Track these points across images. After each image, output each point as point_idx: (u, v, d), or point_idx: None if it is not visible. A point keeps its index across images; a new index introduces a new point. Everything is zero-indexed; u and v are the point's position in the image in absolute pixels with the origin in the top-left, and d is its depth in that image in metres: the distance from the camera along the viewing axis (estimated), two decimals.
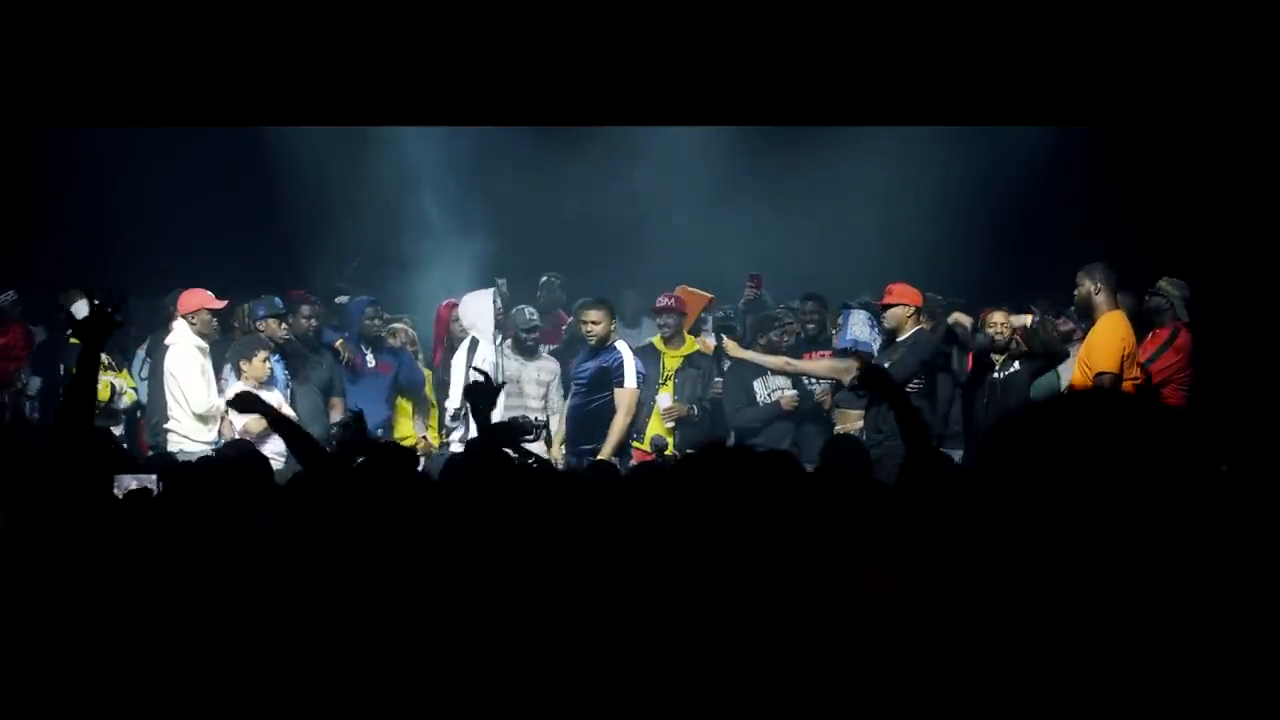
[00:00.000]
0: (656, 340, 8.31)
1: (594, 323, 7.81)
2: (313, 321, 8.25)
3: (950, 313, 7.86)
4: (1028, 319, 7.43)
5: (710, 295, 8.67)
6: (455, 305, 8.45)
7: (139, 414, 8.16)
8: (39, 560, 3.19)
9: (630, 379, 7.80)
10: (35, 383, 7.93)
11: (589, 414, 7.79)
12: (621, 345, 7.94)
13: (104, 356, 7.92)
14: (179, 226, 8.84)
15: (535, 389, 8.09)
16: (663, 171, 9.59)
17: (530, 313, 8.24)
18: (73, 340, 7.98)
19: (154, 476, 4.65)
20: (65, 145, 9.19)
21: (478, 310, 8.08)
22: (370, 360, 8.11)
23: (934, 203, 9.29)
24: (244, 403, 4.81)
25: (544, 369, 8.21)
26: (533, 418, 7.39)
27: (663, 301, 8.33)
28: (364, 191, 9.55)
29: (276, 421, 4.43)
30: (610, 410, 7.76)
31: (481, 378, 4.38)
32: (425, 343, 8.88)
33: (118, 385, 7.96)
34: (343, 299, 8.79)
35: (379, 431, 7.87)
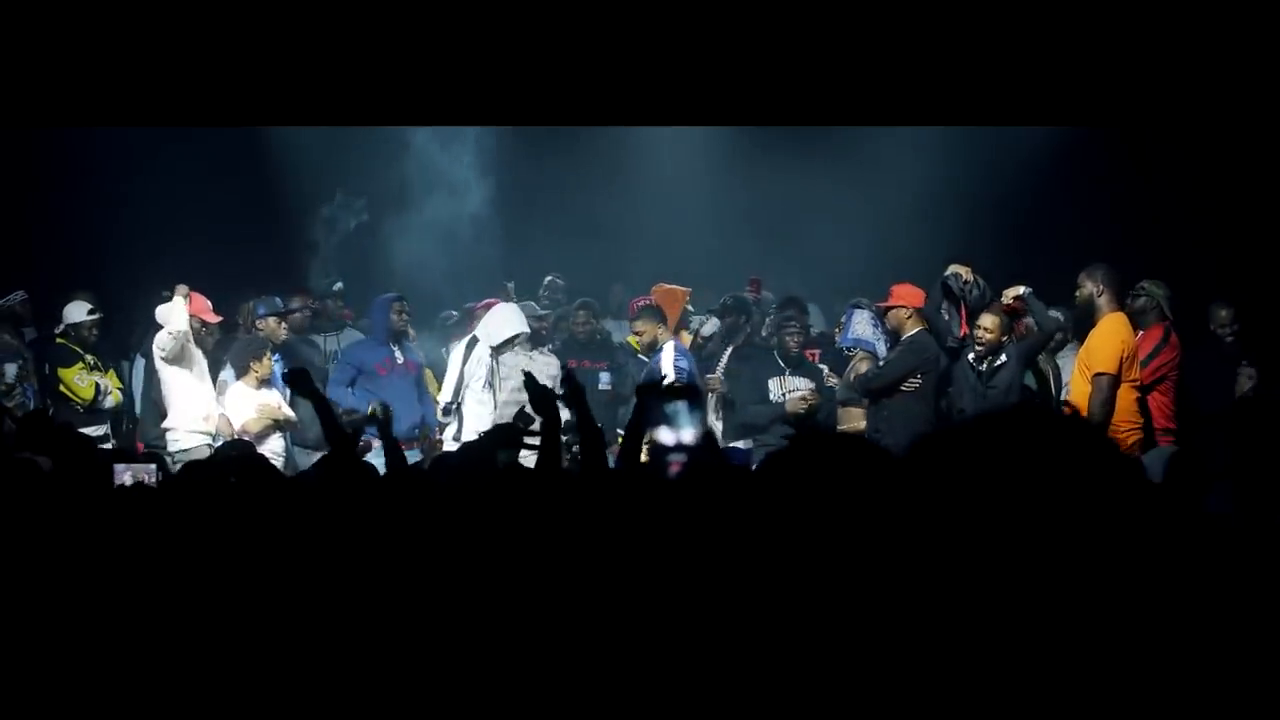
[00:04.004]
0: (631, 340, 8.31)
1: (640, 333, 7.90)
2: (306, 314, 8.29)
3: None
4: (1020, 289, 7.32)
5: (687, 289, 8.67)
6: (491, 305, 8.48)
7: (136, 411, 8.17)
8: (45, 558, 3.20)
9: (669, 374, 7.75)
10: (11, 370, 7.90)
11: None
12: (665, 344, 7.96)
13: (89, 356, 8.00)
14: (177, 226, 8.81)
15: (548, 384, 8.05)
16: (659, 169, 9.60)
17: (534, 306, 8.28)
18: (59, 340, 8.04)
19: (152, 466, 4.64)
20: (65, 145, 9.18)
21: (500, 325, 8.02)
22: (399, 357, 8.07)
23: (933, 203, 9.29)
24: (297, 379, 4.84)
25: (550, 364, 8.17)
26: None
27: (642, 304, 8.36)
28: (361, 191, 9.53)
29: (319, 403, 4.48)
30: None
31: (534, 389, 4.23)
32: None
33: (103, 385, 7.98)
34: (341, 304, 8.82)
35: (415, 431, 7.87)
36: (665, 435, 2.31)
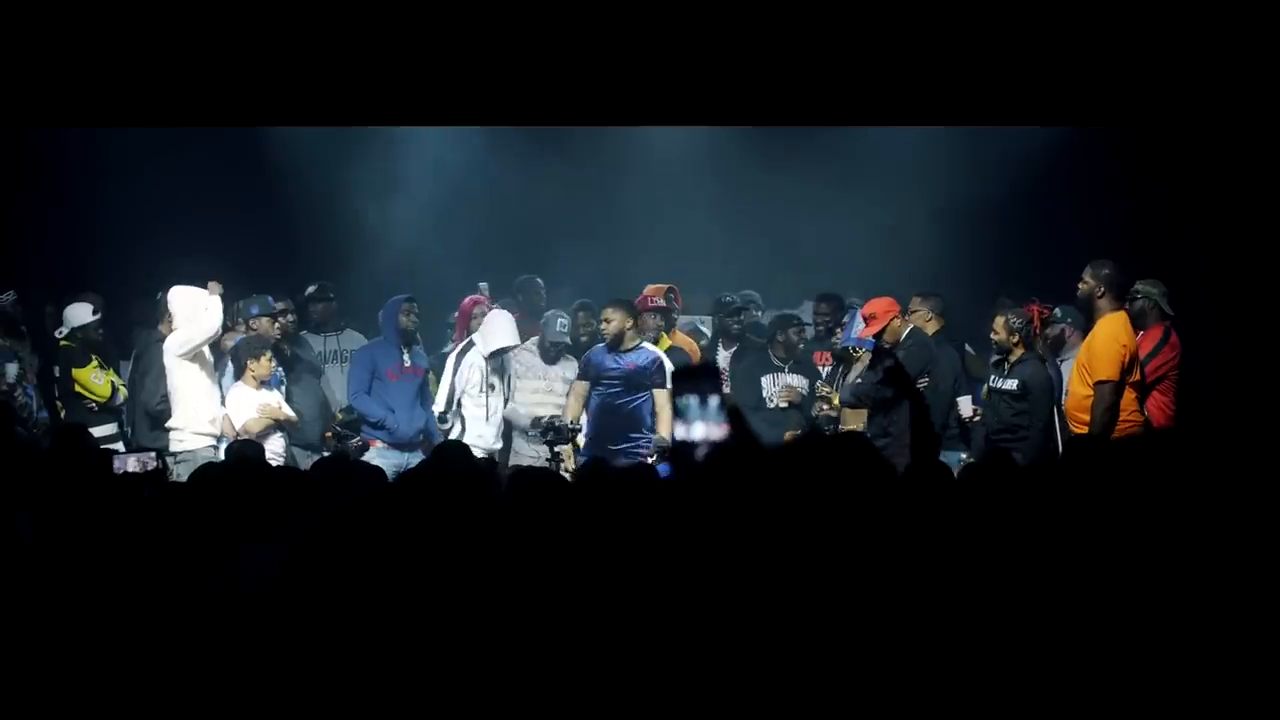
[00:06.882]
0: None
1: (607, 320, 7.73)
2: (289, 317, 8.27)
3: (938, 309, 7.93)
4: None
5: (661, 286, 8.60)
6: (479, 301, 8.44)
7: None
8: (66, 566, 3.19)
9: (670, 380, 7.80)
10: (12, 370, 7.88)
11: (626, 413, 7.71)
12: (649, 345, 7.90)
13: (95, 356, 8.00)
14: (173, 226, 8.79)
15: (563, 385, 8.04)
16: (655, 170, 9.59)
17: (561, 324, 8.12)
18: (64, 343, 8.02)
19: (153, 454, 4.61)
20: (64, 145, 9.16)
21: (499, 333, 8.01)
22: (407, 360, 8.05)
23: (932, 203, 9.29)
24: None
25: (569, 367, 8.15)
26: (568, 422, 7.48)
27: (656, 303, 8.34)
28: (359, 191, 9.53)
29: None
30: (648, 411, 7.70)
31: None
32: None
33: (115, 383, 7.99)
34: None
35: (420, 436, 7.88)
36: (681, 429, 2.30)
